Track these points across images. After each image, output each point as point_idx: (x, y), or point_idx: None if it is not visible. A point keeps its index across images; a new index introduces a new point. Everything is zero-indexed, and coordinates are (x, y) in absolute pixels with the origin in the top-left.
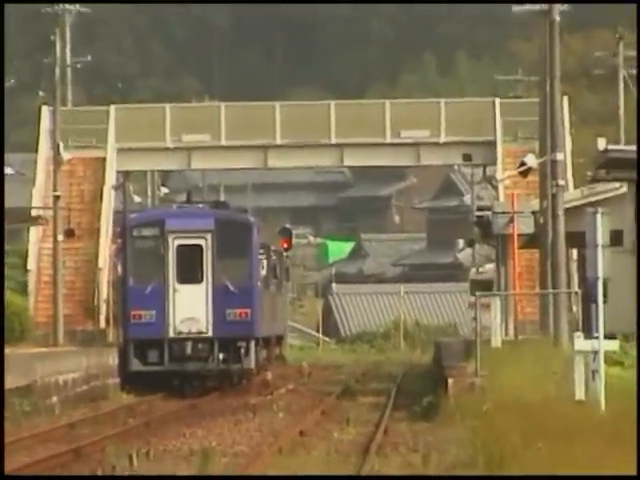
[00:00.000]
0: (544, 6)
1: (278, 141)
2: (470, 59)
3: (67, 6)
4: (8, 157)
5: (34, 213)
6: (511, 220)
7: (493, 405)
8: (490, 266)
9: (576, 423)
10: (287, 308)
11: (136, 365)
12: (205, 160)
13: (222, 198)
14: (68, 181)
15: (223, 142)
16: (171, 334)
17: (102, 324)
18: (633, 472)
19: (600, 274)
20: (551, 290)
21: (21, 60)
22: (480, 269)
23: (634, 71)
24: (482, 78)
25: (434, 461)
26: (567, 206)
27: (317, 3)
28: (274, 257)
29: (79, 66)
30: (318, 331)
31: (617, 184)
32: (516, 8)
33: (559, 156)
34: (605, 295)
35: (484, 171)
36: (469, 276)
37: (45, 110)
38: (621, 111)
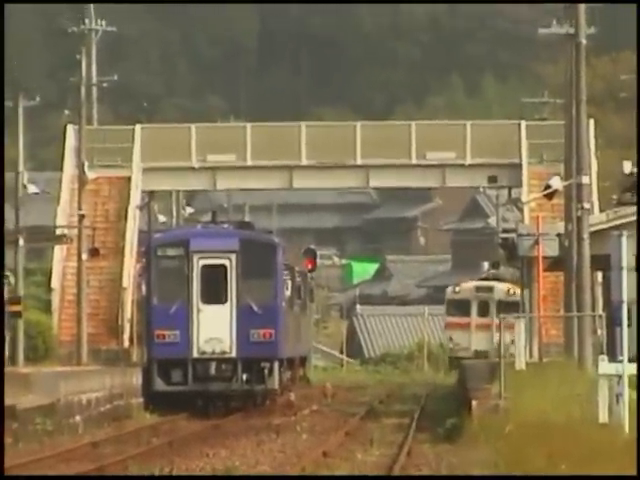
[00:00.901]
0: (570, 29)
1: (304, 162)
2: (496, 81)
3: (93, 25)
4: (34, 175)
5: (59, 232)
6: (536, 242)
7: (517, 427)
8: (467, 285)
9: (599, 446)
10: (311, 329)
11: (160, 385)
12: (230, 180)
13: (247, 218)
14: (93, 200)
15: (249, 162)
16: (195, 354)
17: (126, 343)
18: None
19: (625, 297)
20: (576, 313)
21: (47, 78)
22: (457, 288)
23: None
24: (508, 100)
25: None
26: (592, 229)
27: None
28: (298, 278)
29: (105, 85)
30: (342, 352)
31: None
32: (542, 30)
33: (585, 179)
34: (629, 318)
35: (509, 193)
36: (445, 296)
37: (70, 129)
38: None
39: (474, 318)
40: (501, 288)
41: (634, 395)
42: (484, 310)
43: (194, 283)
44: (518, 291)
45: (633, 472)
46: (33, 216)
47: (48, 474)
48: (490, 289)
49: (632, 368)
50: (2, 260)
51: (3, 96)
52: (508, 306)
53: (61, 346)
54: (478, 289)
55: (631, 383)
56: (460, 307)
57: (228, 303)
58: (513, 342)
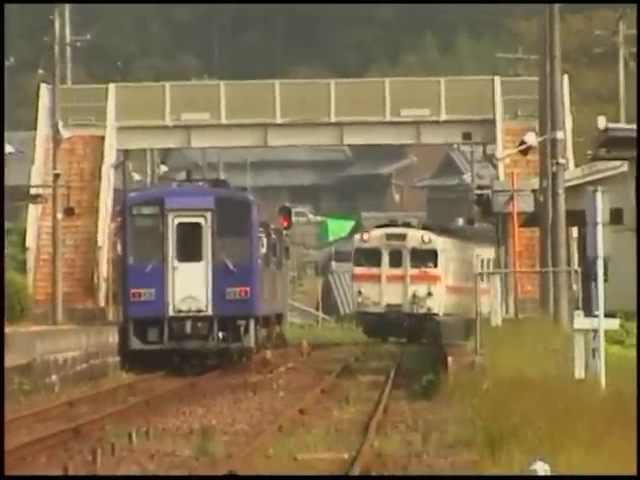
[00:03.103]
0: None
1: (278, 119)
2: (470, 38)
3: None
4: (9, 135)
5: (33, 191)
6: (511, 198)
7: (493, 383)
8: (377, 232)
9: (576, 402)
10: (287, 286)
11: (136, 343)
12: (205, 138)
13: (222, 176)
14: (67, 159)
15: (223, 120)
16: (171, 312)
17: (102, 302)
18: (632, 452)
19: (600, 252)
20: (551, 268)
21: (21, 39)
22: (365, 236)
23: (635, 49)
24: (482, 57)
25: (434, 440)
26: (567, 185)
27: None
28: (274, 236)
29: (79, 45)
30: (318, 309)
31: (617, 163)
32: None
33: (559, 135)
34: (605, 273)
35: (484, 149)
36: (353, 244)
37: (44, 88)
38: (621, 90)
39: (385, 269)
40: (415, 235)
41: (610, 350)
42: (396, 260)
43: (169, 241)
44: (434, 237)
45: (609, 429)
46: (8, 176)
47: (45, 453)
48: (402, 236)
49: (608, 323)
50: (2, 248)
51: (3, 91)
52: (423, 255)
53: (37, 305)
54: (389, 237)
55: (607, 338)
56: (369, 257)
57: (203, 261)
58: (430, 294)
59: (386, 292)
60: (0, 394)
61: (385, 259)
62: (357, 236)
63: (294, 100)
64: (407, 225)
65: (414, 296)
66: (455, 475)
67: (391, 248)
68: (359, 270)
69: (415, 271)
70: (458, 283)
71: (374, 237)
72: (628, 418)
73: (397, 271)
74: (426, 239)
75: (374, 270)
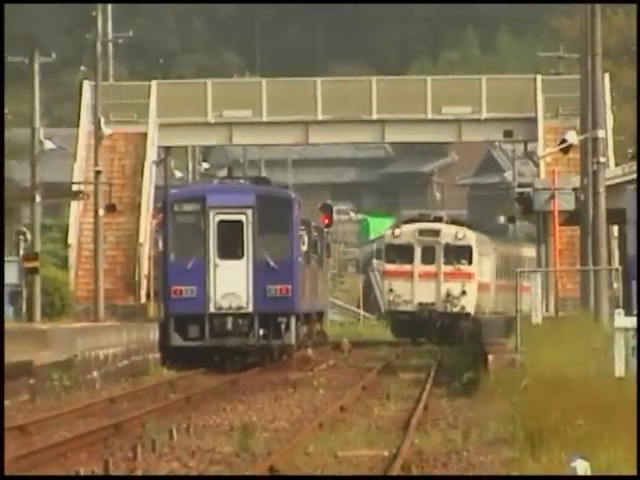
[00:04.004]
0: None
1: (319, 117)
2: (512, 36)
3: None
4: (50, 132)
5: (75, 188)
6: (552, 197)
7: (533, 381)
8: (409, 228)
9: (616, 400)
10: (328, 284)
11: (177, 340)
12: (246, 136)
13: (263, 174)
14: (109, 156)
15: (264, 118)
16: (212, 309)
17: (143, 299)
18: None
19: None
20: (592, 267)
21: (63, 35)
22: (397, 231)
23: None
24: (524, 55)
25: (474, 437)
26: (608, 183)
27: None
28: (315, 233)
29: (121, 41)
30: (359, 307)
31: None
32: None
33: (600, 133)
34: None
35: (525, 147)
36: (384, 240)
37: (86, 85)
38: None
39: (417, 265)
40: (448, 230)
41: None
42: (429, 256)
43: (211, 238)
44: (468, 233)
45: None
46: (49, 172)
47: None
48: (436, 232)
49: None
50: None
51: (3, 93)
52: (457, 251)
53: (78, 302)
54: (422, 232)
55: None
56: (401, 253)
57: (245, 258)
58: (464, 293)
59: (418, 290)
60: (0, 394)
61: (417, 255)
62: (388, 231)
63: (335, 97)
64: (439, 220)
65: (448, 294)
66: (457, 475)
67: (424, 244)
68: (390, 267)
69: (449, 268)
70: (494, 281)
71: (406, 232)
72: None
73: (430, 268)
74: (460, 235)
75: (406, 267)
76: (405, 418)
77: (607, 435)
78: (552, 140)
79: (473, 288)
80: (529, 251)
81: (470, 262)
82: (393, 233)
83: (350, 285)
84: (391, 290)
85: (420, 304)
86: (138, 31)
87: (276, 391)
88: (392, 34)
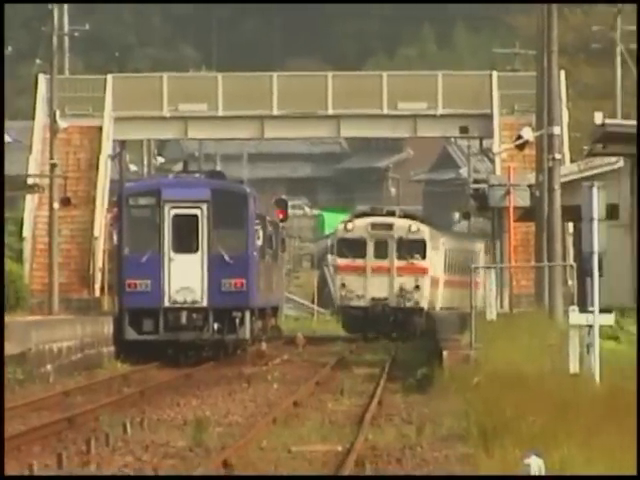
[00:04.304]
0: None
1: (275, 112)
2: (468, 32)
3: None
4: (7, 124)
5: (30, 181)
6: (507, 193)
7: (487, 378)
8: (361, 222)
9: (570, 396)
10: (283, 279)
11: (131, 334)
12: (202, 130)
13: (218, 168)
14: (64, 149)
15: (220, 112)
16: (166, 303)
17: (97, 293)
18: (625, 447)
19: (595, 248)
20: (547, 263)
21: (19, 28)
22: (349, 225)
23: (632, 45)
24: (480, 51)
25: (428, 433)
26: (563, 180)
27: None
28: (270, 228)
29: (77, 35)
30: (313, 302)
31: (613, 158)
32: None
33: (556, 130)
34: (600, 269)
35: (481, 144)
36: (335, 233)
37: (42, 78)
38: (618, 85)
39: (370, 260)
40: (401, 224)
41: (605, 345)
42: (382, 251)
43: (165, 232)
44: (422, 227)
45: (603, 423)
46: (5, 165)
47: (40, 442)
48: (389, 226)
49: (602, 319)
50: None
51: (3, 90)
52: (411, 245)
53: (32, 295)
54: (374, 226)
55: (602, 333)
56: (354, 247)
57: (199, 252)
58: (418, 287)
59: (371, 285)
60: (0, 393)
61: (370, 250)
62: (340, 225)
63: (291, 92)
64: (392, 214)
65: (401, 289)
66: (456, 475)
67: (376, 238)
68: (342, 261)
69: (402, 262)
70: (443, 276)
71: (358, 226)
72: (621, 413)
73: (383, 262)
74: (414, 228)
75: (358, 262)
76: (359, 413)
77: (561, 432)
78: (508, 136)
79: (427, 283)
80: (477, 246)
81: (424, 256)
82: (345, 227)
83: (305, 280)
84: (343, 285)
85: (373, 299)
86: (94, 24)
87: (230, 385)
88: (348, 30)
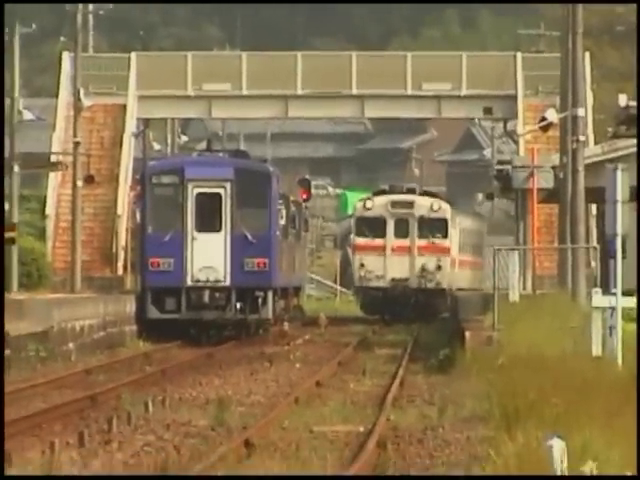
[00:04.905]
0: None
1: (299, 91)
2: (493, 14)
3: None
4: (30, 102)
5: (54, 159)
6: (531, 174)
7: (510, 359)
8: (381, 200)
9: (592, 379)
10: (306, 259)
11: (153, 313)
12: (225, 109)
13: (242, 147)
14: (88, 127)
15: (244, 91)
16: (189, 282)
17: (120, 271)
18: None
19: (619, 230)
20: (570, 245)
21: (43, 6)
22: (368, 203)
23: None
24: (504, 32)
25: (450, 414)
26: (587, 162)
27: None
28: (293, 207)
29: (101, 13)
30: (336, 282)
31: (637, 140)
32: None
33: (580, 111)
34: (624, 251)
35: (505, 125)
36: (354, 211)
37: (66, 56)
38: None
39: (390, 239)
40: (423, 203)
41: (628, 327)
42: (403, 230)
43: (189, 211)
44: (443, 205)
45: (624, 406)
46: (28, 143)
47: (61, 421)
48: (410, 204)
49: (625, 301)
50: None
51: (3, 92)
52: (432, 224)
53: (55, 273)
54: (395, 204)
55: (624, 315)
56: (373, 226)
57: (222, 232)
58: (440, 268)
59: (391, 265)
60: (1, 393)
61: (390, 228)
62: (359, 203)
63: (315, 72)
64: (412, 191)
65: (422, 269)
66: (456, 475)
67: (397, 216)
68: (361, 241)
69: (423, 242)
70: (460, 256)
71: (378, 205)
72: None
73: (403, 242)
74: (435, 207)
75: (378, 241)
76: (381, 394)
77: (583, 414)
78: (532, 118)
79: (448, 263)
80: (483, 225)
81: (445, 235)
82: (364, 205)
83: (328, 260)
84: (362, 265)
85: (393, 280)
86: (118, 3)
87: (252, 365)
88: (372, 11)
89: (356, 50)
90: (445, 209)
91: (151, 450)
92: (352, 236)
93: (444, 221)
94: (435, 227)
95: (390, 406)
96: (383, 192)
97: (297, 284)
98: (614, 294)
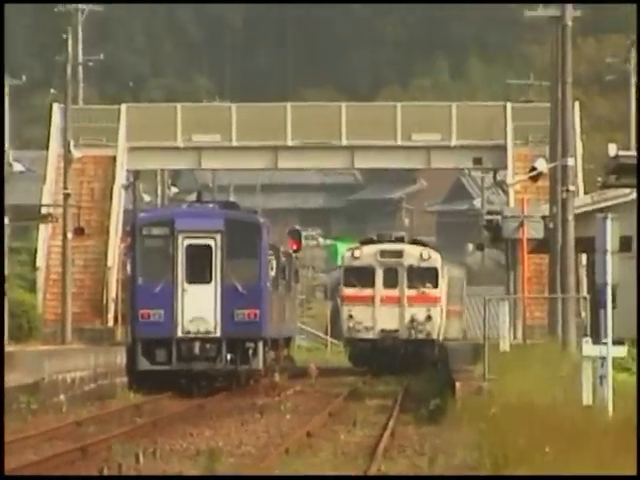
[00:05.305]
0: (556, 10)
1: (289, 142)
2: (482, 62)
3: (80, 5)
4: (19, 154)
5: (44, 210)
6: (521, 224)
7: (500, 409)
8: (369, 249)
9: (583, 428)
10: (296, 309)
11: (144, 364)
12: (215, 160)
13: (232, 198)
14: (78, 179)
15: (234, 142)
16: (179, 334)
17: (110, 322)
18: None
19: (609, 280)
20: (560, 295)
21: (33, 57)
22: (356, 252)
23: None
24: (494, 81)
25: (441, 463)
26: (577, 211)
27: (330, 3)
28: (283, 258)
29: (91, 64)
30: (326, 333)
31: (627, 190)
32: (529, 12)
33: (570, 161)
34: (614, 301)
35: (494, 175)
36: (342, 261)
37: (56, 108)
38: (632, 117)
39: (379, 290)
40: (412, 252)
41: (618, 377)
42: (392, 279)
43: (179, 263)
44: (433, 254)
45: (616, 455)
46: (18, 195)
47: (52, 472)
48: (399, 253)
49: (615, 350)
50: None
51: (3, 96)
52: (422, 273)
53: (45, 325)
54: (383, 253)
55: (615, 365)
56: (361, 276)
57: (213, 283)
58: (430, 318)
59: (380, 316)
60: (0, 399)
61: (379, 279)
62: (347, 253)
63: (305, 123)
64: (400, 240)
65: (412, 320)
66: (456, 475)
67: (386, 266)
68: (349, 291)
69: (413, 292)
70: (450, 305)
71: (366, 254)
72: (634, 445)
73: (393, 292)
74: (425, 256)
75: (367, 291)
76: (372, 444)
77: (574, 463)
78: (521, 167)
79: (439, 313)
80: (461, 273)
81: (436, 285)
82: (352, 255)
83: (318, 311)
84: (351, 316)
85: (382, 331)
86: (108, 54)
87: (243, 416)
88: (362, 60)
89: (346, 100)
90: (435, 258)
91: None
92: (340, 286)
93: (434, 270)
94: (425, 276)
95: (381, 456)
96: (371, 241)
97: (288, 334)
98: (605, 344)
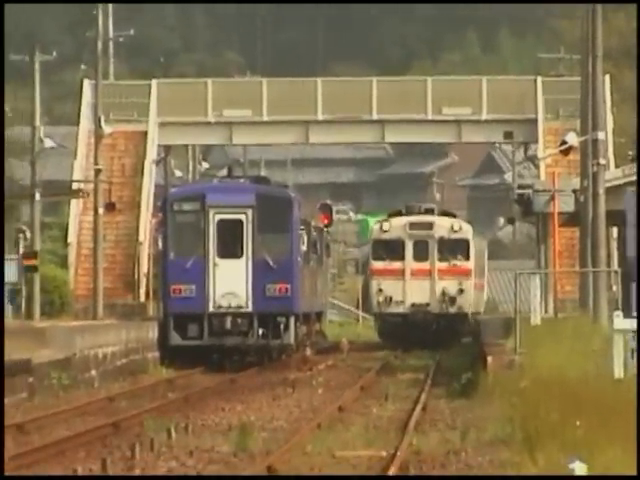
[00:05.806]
0: None
1: (319, 117)
2: (513, 36)
3: None
4: (51, 130)
5: (75, 186)
6: (552, 198)
7: (532, 382)
8: (399, 221)
9: (614, 401)
10: (327, 284)
11: (176, 339)
12: (246, 135)
13: (263, 173)
14: (109, 155)
15: (265, 117)
16: (211, 309)
17: (142, 298)
18: None
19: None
20: (591, 269)
21: (64, 33)
22: (385, 225)
23: None
24: (525, 56)
25: (472, 438)
26: (608, 185)
27: None
28: (314, 233)
29: (121, 40)
30: (358, 307)
31: None
32: None
33: (600, 135)
34: None
35: (525, 149)
36: (370, 234)
37: (87, 83)
38: None
39: (409, 263)
40: (442, 223)
41: None
42: (422, 252)
43: (210, 238)
44: (464, 226)
45: None
46: (49, 170)
47: (83, 448)
48: (429, 225)
49: None
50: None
51: (3, 97)
52: (453, 245)
53: (77, 301)
54: (413, 225)
55: None
56: (391, 249)
57: (244, 257)
58: (462, 291)
59: (411, 290)
60: (0, 394)
61: (409, 251)
62: (376, 225)
63: (336, 97)
64: (430, 211)
65: (443, 294)
66: (456, 475)
67: (416, 238)
68: (378, 265)
69: (444, 265)
70: (478, 279)
71: (395, 226)
72: None
73: (423, 265)
74: (456, 227)
75: (396, 264)
76: (403, 418)
77: (605, 437)
78: (552, 142)
79: (471, 286)
80: (485, 245)
81: (467, 257)
82: (381, 227)
83: (349, 285)
84: (380, 290)
85: (413, 305)
86: (139, 29)
87: (274, 391)
88: (392, 34)
89: (377, 74)
90: (466, 230)
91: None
92: (369, 260)
93: (465, 242)
94: (456, 249)
95: (413, 430)
96: (400, 213)
97: (319, 309)
98: (636, 317)
